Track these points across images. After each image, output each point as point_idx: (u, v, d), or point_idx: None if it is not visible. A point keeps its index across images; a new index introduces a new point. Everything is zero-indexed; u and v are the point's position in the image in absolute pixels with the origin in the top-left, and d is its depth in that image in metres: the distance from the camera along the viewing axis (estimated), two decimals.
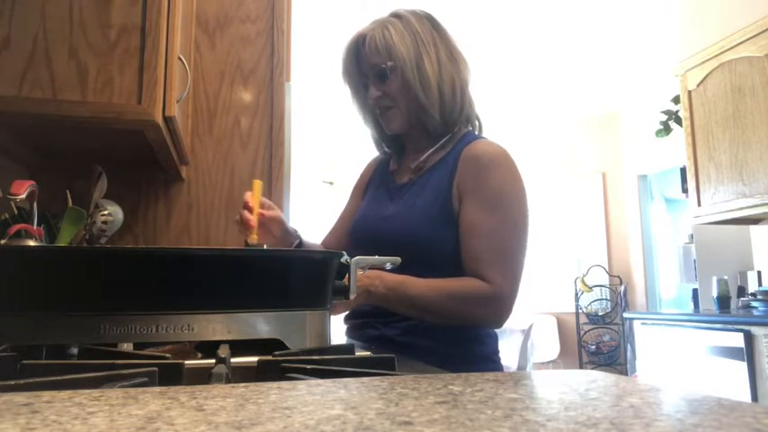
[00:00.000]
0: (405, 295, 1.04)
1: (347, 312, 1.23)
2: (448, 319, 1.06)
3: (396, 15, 1.19)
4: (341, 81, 1.28)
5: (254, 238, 1.07)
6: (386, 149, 1.34)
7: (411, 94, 1.16)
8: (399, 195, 1.20)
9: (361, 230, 1.24)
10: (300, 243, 1.21)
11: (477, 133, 1.24)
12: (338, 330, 1.13)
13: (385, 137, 1.30)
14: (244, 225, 1.08)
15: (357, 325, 1.19)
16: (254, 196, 1.09)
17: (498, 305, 1.04)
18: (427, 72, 1.15)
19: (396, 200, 1.20)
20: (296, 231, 1.20)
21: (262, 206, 1.11)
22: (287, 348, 0.61)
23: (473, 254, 1.06)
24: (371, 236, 1.18)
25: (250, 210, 1.08)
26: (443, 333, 1.07)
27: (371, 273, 1.04)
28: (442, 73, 1.16)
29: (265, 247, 1.14)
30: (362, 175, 1.40)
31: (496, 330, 1.16)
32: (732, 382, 2.65)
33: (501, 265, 1.04)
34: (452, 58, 1.19)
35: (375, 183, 1.32)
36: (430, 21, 1.21)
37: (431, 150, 1.20)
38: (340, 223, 1.37)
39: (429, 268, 1.06)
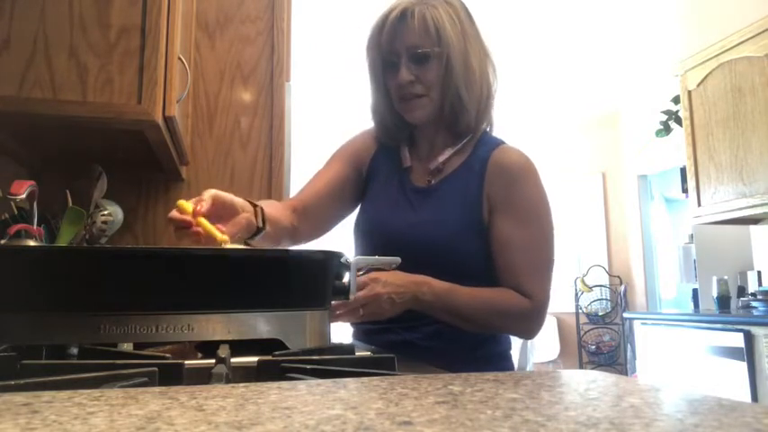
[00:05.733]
0: (451, 305, 1.03)
1: None
2: (487, 330, 1.08)
3: None
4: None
5: (224, 239, 0.82)
6: (393, 137, 1.21)
7: (451, 86, 1.07)
8: (421, 200, 1.13)
9: (383, 235, 1.14)
10: (264, 218, 1.00)
11: (490, 133, 1.21)
12: (339, 330, 1.12)
13: (397, 125, 1.17)
14: (180, 230, 0.84)
15: (375, 330, 1.13)
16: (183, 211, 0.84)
17: (537, 319, 1.07)
18: (473, 66, 1.08)
19: (418, 205, 1.13)
20: (255, 209, 0.99)
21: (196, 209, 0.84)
22: (287, 348, 0.61)
23: (510, 268, 1.06)
24: (397, 242, 1.09)
25: (188, 223, 0.83)
26: (465, 335, 1.07)
27: (418, 278, 1.01)
28: (483, 68, 1.12)
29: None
30: (356, 148, 1.25)
31: None
32: (732, 382, 2.65)
33: (539, 280, 1.06)
34: (487, 54, 1.15)
35: (384, 177, 1.20)
36: (467, 11, 1.14)
37: (451, 152, 1.13)
38: (317, 182, 1.21)
39: (460, 277, 1.04)
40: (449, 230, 1.07)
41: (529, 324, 1.07)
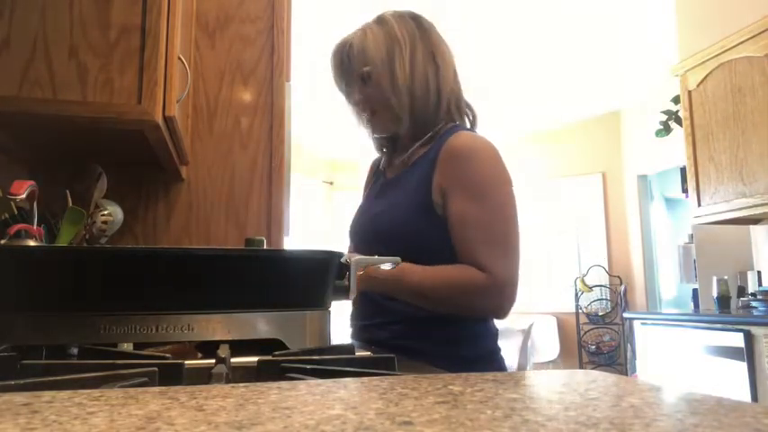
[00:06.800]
0: (405, 282, 1.04)
1: (351, 313, 1.24)
2: (448, 308, 1.06)
3: (378, 20, 1.21)
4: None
5: None
6: (383, 149, 1.35)
7: (381, 98, 1.17)
8: (387, 192, 1.23)
9: (355, 231, 1.26)
10: None
11: (469, 126, 1.23)
12: (339, 330, 1.13)
13: (375, 138, 1.32)
14: None
15: (361, 327, 1.19)
16: None
17: (499, 294, 1.03)
18: (397, 76, 1.15)
19: (382, 197, 1.23)
20: None
21: None
22: (287, 348, 0.61)
23: (467, 245, 1.05)
24: (364, 235, 1.20)
25: None
26: (442, 333, 1.07)
27: None
28: (414, 74, 1.16)
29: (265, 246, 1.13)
30: (367, 177, 1.42)
31: (498, 327, 1.16)
32: (732, 382, 2.65)
33: (497, 254, 1.04)
34: (431, 56, 1.18)
35: (371, 183, 1.35)
36: (414, 20, 1.21)
37: (414, 147, 1.20)
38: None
39: (418, 262, 1.05)
40: (397, 216, 1.12)
41: (491, 300, 1.04)
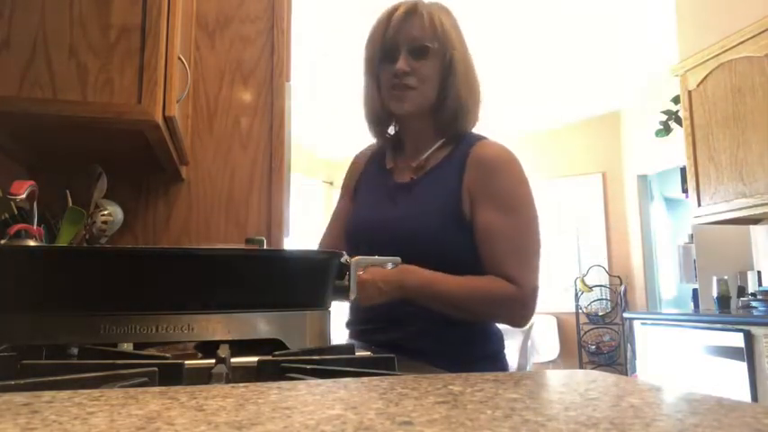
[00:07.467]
0: (437, 292, 1.04)
1: (350, 319, 1.22)
2: (475, 318, 1.08)
3: (445, 9, 1.20)
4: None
5: None
6: (383, 135, 1.26)
7: (453, 86, 1.15)
8: (403, 195, 1.17)
9: (365, 232, 1.18)
10: None
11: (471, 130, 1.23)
12: (339, 330, 1.13)
13: (387, 115, 1.22)
14: None
15: (363, 330, 1.17)
16: None
17: (526, 306, 1.06)
18: (474, 69, 1.18)
19: (400, 200, 1.17)
20: None
21: None
22: (287, 348, 0.61)
23: (495, 257, 1.07)
24: (380, 238, 1.12)
25: None
26: (449, 334, 1.07)
27: (403, 267, 1.00)
28: (472, 76, 1.20)
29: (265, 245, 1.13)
30: (351, 172, 1.34)
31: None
32: (732, 382, 2.65)
33: (524, 267, 1.06)
34: (474, 69, 1.23)
35: (369, 181, 1.27)
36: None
37: (432, 148, 1.18)
38: (335, 223, 1.32)
39: (445, 270, 1.05)
40: (428, 222, 1.10)
41: (518, 311, 1.07)
